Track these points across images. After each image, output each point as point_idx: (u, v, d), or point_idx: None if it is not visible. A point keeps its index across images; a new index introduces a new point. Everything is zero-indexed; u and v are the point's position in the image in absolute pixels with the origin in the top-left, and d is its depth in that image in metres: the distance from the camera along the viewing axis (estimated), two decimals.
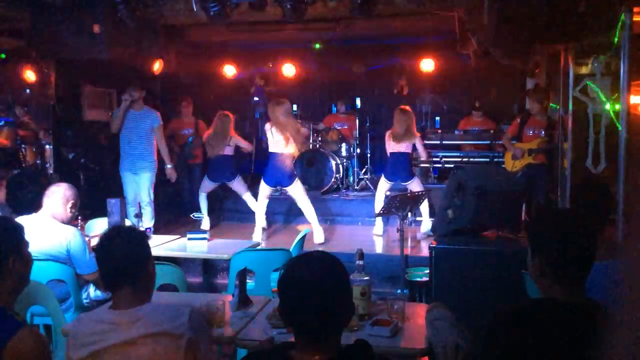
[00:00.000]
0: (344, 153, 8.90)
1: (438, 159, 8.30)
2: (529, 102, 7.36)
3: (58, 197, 3.94)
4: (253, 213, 7.05)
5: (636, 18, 4.73)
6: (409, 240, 6.52)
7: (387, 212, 5.49)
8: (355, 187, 8.84)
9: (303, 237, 4.91)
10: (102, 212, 4.98)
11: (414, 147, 6.94)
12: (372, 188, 8.68)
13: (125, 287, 2.13)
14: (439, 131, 8.62)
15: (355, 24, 7.06)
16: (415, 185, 6.82)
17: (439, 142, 8.37)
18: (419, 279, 5.19)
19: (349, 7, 5.45)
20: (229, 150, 7.22)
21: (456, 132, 8.64)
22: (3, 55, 7.07)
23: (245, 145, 7.47)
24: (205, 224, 7.29)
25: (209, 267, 6.10)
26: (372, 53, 9.44)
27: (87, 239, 4.26)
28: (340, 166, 8.64)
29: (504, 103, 9.11)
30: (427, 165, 8.16)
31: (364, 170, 9.11)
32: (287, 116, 6.47)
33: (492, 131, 8.27)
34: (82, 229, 4.58)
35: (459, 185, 4.45)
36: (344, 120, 9.33)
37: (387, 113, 10.07)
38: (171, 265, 3.89)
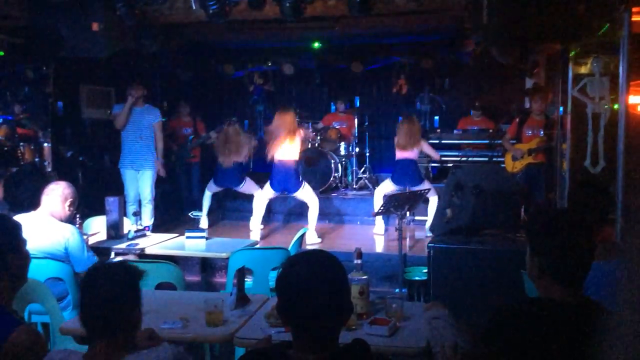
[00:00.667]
0: (342, 152, 8.90)
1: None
2: (529, 102, 7.37)
3: (56, 195, 3.93)
4: (251, 212, 7.04)
5: (635, 18, 4.73)
6: (408, 239, 6.52)
7: (385, 212, 5.49)
8: (354, 186, 8.84)
9: (301, 236, 4.91)
10: (100, 210, 4.97)
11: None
12: (370, 187, 8.69)
13: (103, 340, 1.87)
14: (438, 130, 8.63)
15: (355, 23, 7.05)
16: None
17: (437, 141, 8.37)
18: (417, 278, 5.19)
19: (348, 6, 5.44)
20: (240, 158, 7.16)
21: (455, 131, 8.64)
22: (2, 53, 7.05)
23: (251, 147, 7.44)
24: (204, 222, 7.28)
25: (207, 266, 6.10)
26: (371, 52, 9.44)
27: (85, 237, 4.26)
28: (339, 165, 8.64)
29: (503, 102, 9.11)
30: (425, 164, 8.17)
31: (363, 169, 9.11)
32: (285, 125, 6.46)
33: (491, 130, 8.27)
34: (81, 227, 4.58)
35: (458, 185, 4.45)
36: (343, 119, 9.33)
37: (386, 112, 10.11)
38: (169, 264, 3.89)
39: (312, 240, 6.61)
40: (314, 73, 9.65)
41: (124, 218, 5.02)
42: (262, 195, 6.73)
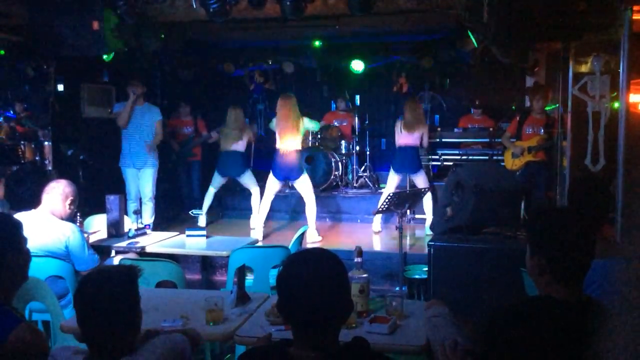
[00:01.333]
0: (343, 150, 8.90)
1: (437, 157, 8.31)
2: (529, 100, 7.37)
3: (57, 193, 3.94)
4: (250, 210, 7.04)
5: (636, 17, 4.73)
6: (408, 237, 6.53)
7: (386, 210, 5.50)
8: (355, 185, 8.85)
9: (302, 234, 4.92)
10: (101, 208, 4.98)
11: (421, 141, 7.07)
12: (371, 185, 8.69)
13: (106, 342, 1.86)
14: (439, 129, 8.62)
15: (355, 22, 7.05)
16: (421, 179, 6.94)
17: (438, 140, 8.37)
18: (417, 277, 5.20)
19: (348, 5, 5.44)
20: (240, 146, 7.22)
21: (455, 130, 8.63)
22: (2, 52, 7.05)
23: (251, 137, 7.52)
24: (202, 220, 7.29)
25: (208, 264, 6.10)
26: (372, 51, 9.43)
27: (85, 235, 4.26)
28: (340, 163, 8.65)
29: (504, 101, 9.11)
30: (426, 162, 8.17)
31: (363, 167, 9.11)
32: (289, 112, 6.50)
33: (491, 129, 8.27)
34: (81, 225, 4.59)
35: (458, 183, 4.46)
36: (343, 117, 9.33)
37: (387, 111, 10.11)
38: (170, 262, 3.90)
39: (313, 239, 6.61)
40: (314, 72, 9.63)
41: (125, 216, 5.03)
42: (268, 190, 6.74)
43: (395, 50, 9.34)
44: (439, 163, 8.39)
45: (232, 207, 8.34)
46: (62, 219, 3.93)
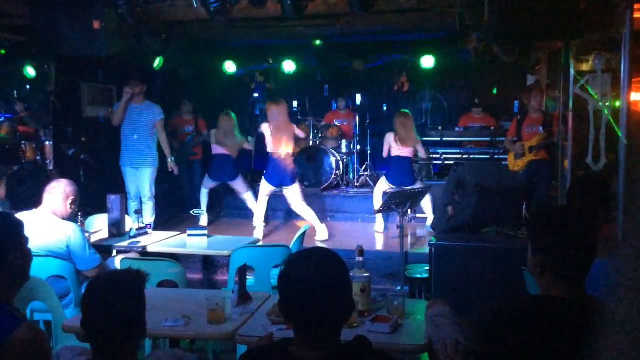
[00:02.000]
0: (344, 150, 8.90)
1: (438, 156, 8.31)
2: (525, 100, 7.36)
3: (58, 193, 3.94)
4: (251, 210, 7.04)
5: (637, 15, 4.72)
6: (409, 237, 6.53)
7: (386, 209, 5.49)
8: (356, 184, 8.84)
9: (303, 234, 4.92)
10: (102, 208, 4.98)
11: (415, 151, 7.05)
12: (372, 185, 8.68)
13: (110, 345, 1.86)
14: (440, 128, 8.62)
15: (356, 21, 7.04)
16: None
17: (439, 138, 8.37)
18: (418, 276, 5.19)
19: (349, 4, 5.44)
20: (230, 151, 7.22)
21: (456, 129, 8.64)
22: (3, 51, 7.05)
23: (247, 146, 7.50)
24: (204, 220, 7.29)
25: (209, 264, 6.10)
26: (373, 49, 9.43)
27: (87, 235, 4.26)
28: (341, 163, 8.65)
29: (505, 100, 9.10)
30: (427, 162, 8.16)
31: (364, 167, 9.11)
32: (283, 117, 6.47)
33: (492, 128, 8.26)
34: (82, 225, 4.59)
35: (459, 182, 4.45)
36: (344, 116, 9.33)
37: (388, 110, 10.10)
38: (171, 262, 3.90)
39: (322, 237, 6.61)
40: (315, 71, 9.64)
41: (126, 216, 5.03)
42: (262, 193, 6.73)
43: (396, 49, 9.33)
44: (440, 162, 8.38)
45: (232, 206, 8.33)
46: (64, 218, 3.93)
